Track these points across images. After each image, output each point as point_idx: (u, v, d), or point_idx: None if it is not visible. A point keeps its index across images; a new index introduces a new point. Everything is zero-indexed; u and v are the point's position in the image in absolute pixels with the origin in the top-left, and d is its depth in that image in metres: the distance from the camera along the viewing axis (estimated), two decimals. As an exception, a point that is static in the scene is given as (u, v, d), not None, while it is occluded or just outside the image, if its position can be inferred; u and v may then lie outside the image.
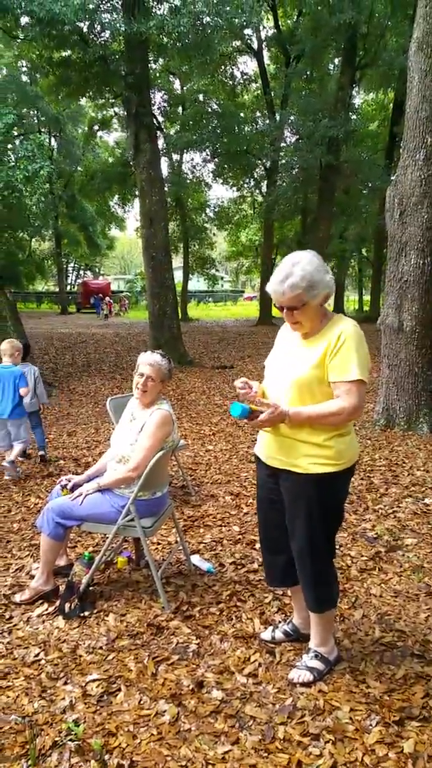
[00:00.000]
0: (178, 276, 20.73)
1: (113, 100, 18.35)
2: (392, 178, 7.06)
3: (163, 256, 14.01)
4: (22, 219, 15.90)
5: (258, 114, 24.85)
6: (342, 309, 28.82)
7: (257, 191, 27.27)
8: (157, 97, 22.67)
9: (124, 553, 3.89)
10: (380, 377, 7.45)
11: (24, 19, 12.62)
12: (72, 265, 52.79)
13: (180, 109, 24.72)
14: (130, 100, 13.02)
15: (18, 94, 22.05)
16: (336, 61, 21.89)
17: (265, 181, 24.99)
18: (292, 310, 2.37)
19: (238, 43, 21.86)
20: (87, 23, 12.31)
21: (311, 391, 2.39)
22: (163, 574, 3.51)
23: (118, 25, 11.75)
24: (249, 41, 22.99)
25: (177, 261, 27.20)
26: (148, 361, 3.34)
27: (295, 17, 22.22)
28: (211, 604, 3.31)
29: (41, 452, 6.34)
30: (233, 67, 23.90)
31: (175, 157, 25.36)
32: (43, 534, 3.30)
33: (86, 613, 3.21)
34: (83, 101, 22.43)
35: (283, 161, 21.89)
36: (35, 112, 27.00)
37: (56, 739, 2.31)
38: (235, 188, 26.70)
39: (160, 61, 18.80)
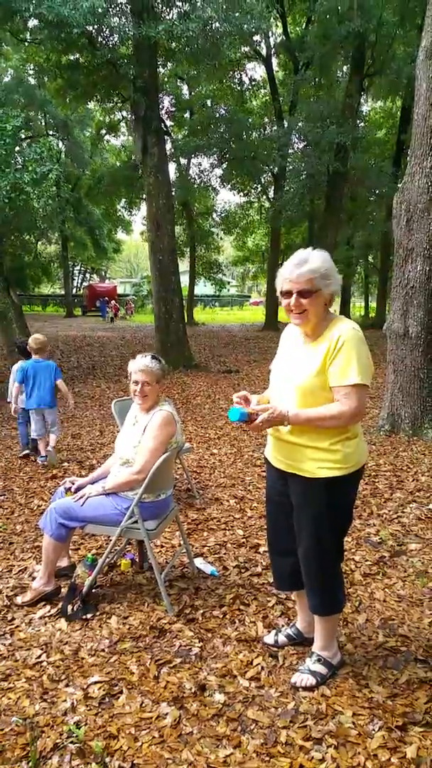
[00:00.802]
0: (184, 280, 20.75)
1: (121, 104, 18.41)
2: (399, 185, 7.07)
3: (170, 260, 14.03)
4: (28, 221, 15.93)
5: (266, 120, 24.91)
6: (348, 315, 28.79)
7: (264, 197, 27.31)
8: (165, 102, 22.78)
9: (128, 556, 3.89)
10: (386, 383, 7.44)
11: (32, 22, 12.65)
12: (78, 268, 52.90)
13: (188, 114, 24.80)
14: (138, 103, 13.04)
15: (26, 97, 22.12)
16: (344, 68, 21.92)
17: (272, 187, 25.03)
18: (302, 297, 2.35)
19: (246, 49, 21.89)
20: (96, 27, 12.32)
21: (314, 396, 2.38)
22: (166, 577, 3.51)
23: (126, 29, 11.79)
24: (258, 47, 23.05)
25: (183, 265, 27.24)
26: (139, 367, 3.33)
27: (304, 24, 22.30)
28: (214, 607, 3.30)
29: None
30: (241, 73, 23.98)
31: (183, 161, 25.40)
32: (45, 534, 3.30)
33: (89, 616, 3.20)
34: (91, 105, 22.48)
35: (291, 167, 21.93)
36: (43, 115, 27.11)
37: (57, 741, 2.30)
38: (242, 193, 26.72)
39: (169, 65, 18.85)
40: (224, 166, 23.56)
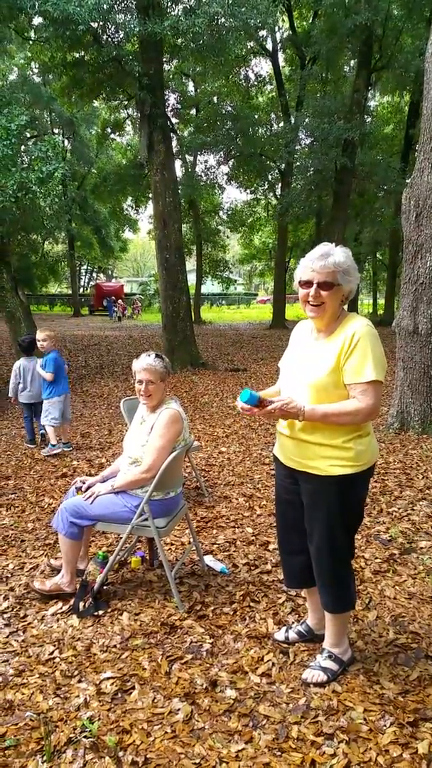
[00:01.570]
0: (191, 278, 20.74)
1: (126, 102, 18.38)
2: (408, 180, 7.03)
3: (177, 258, 14.02)
4: (35, 221, 15.94)
5: (272, 116, 24.83)
6: (356, 312, 28.71)
7: (271, 194, 27.23)
8: (171, 99, 22.72)
9: (138, 553, 3.91)
10: (395, 380, 7.42)
11: (37, 20, 12.60)
12: (85, 267, 52.97)
13: (194, 110, 24.76)
14: (143, 101, 13.01)
15: (31, 95, 22.11)
16: (351, 63, 21.82)
17: (279, 184, 24.94)
18: (321, 289, 2.34)
19: (252, 44, 21.81)
20: (101, 23, 12.26)
21: (327, 393, 2.37)
22: (176, 574, 3.53)
23: (132, 25, 11.75)
24: (264, 43, 22.97)
25: (190, 263, 27.24)
26: (142, 366, 3.33)
27: (311, 19, 22.18)
28: (224, 604, 3.32)
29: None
30: (248, 69, 23.89)
31: (189, 159, 25.36)
32: (59, 534, 3.33)
33: (100, 612, 3.23)
34: (96, 103, 22.47)
35: (298, 163, 21.82)
36: (48, 113, 27.13)
37: (71, 735, 2.33)
38: (248, 191, 26.67)
39: (174, 62, 18.81)
40: (231, 163, 23.51)
